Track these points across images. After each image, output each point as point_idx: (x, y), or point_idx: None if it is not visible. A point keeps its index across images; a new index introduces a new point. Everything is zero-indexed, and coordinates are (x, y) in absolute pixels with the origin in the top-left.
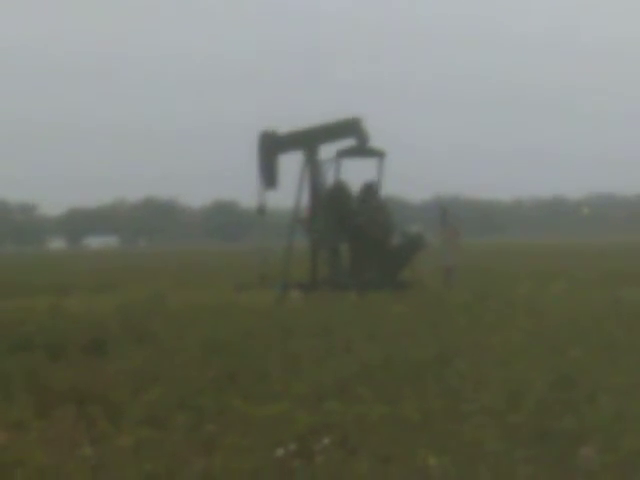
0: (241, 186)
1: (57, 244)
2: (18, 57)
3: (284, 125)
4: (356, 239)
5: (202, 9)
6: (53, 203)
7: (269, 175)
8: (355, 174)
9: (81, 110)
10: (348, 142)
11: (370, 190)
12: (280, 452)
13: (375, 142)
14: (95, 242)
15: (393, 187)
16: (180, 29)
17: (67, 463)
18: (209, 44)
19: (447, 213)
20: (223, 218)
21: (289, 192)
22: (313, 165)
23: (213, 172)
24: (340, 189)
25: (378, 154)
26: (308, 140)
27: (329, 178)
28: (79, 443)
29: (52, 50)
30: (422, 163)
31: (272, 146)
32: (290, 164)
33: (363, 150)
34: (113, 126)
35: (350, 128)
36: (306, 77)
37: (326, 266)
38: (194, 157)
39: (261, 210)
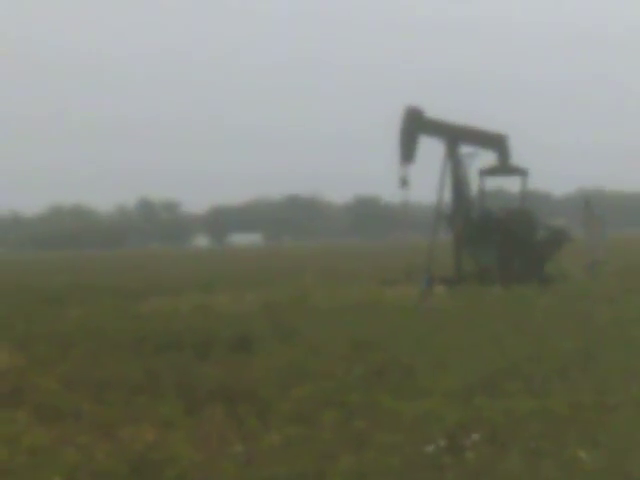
0: (382, 181)
1: (201, 241)
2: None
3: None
4: (501, 234)
5: None
6: (196, 201)
7: (408, 149)
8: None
9: (223, 111)
10: (489, 154)
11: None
12: (430, 448)
13: (514, 140)
14: (239, 239)
15: (536, 181)
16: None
17: (217, 460)
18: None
19: (591, 206)
20: (366, 213)
21: (431, 188)
22: (455, 160)
23: (354, 169)
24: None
25: (520, 172)
26: (453, 134)
27: (470, 177)
28: (228, 441)
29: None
30: (566, 157)
31: (416, 123)
32: (431, 156)
33: (507, 169)
34: (254, 127)
35: (496, 142)
36: (445, 76)
37: (470, 260)
38: (335, 155)
39: (403, 183)
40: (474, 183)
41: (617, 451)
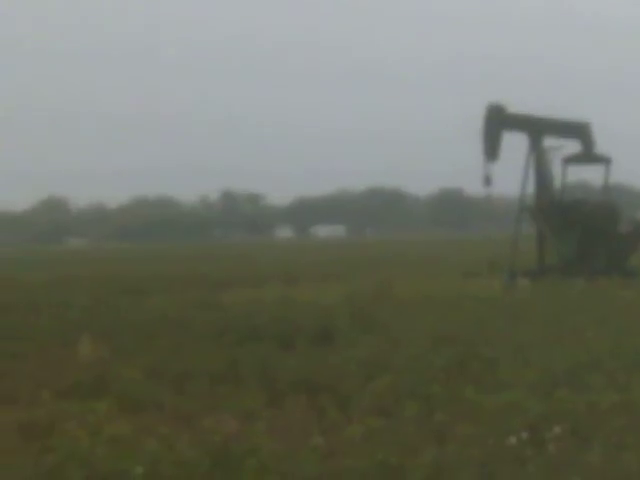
0: (466, 174)
1: (285, 233)
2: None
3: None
4: (585, 226)
5: None
6: (280, 193)
7: (492, 147)
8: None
9: (305, 109)
10: (572, 143)
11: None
12: (512, 441)
13: (599, 135)
14: (322, 231)
15: (619, 175)
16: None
17: (298, 452)
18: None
19: None
20: (449, 206)
21: (515, 179)
22: (538, 153)
23: (437, 162)
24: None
25: (604, 160)
26: (535, 127)
27: (553, 170)
28: (309, 432)
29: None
30: None
31: (498, 119)
32: (514, 150)
33: (590, 157)
34: (339, 122)
35: (579, 131)
36: (528, 69)
37: (554, 254)
38: (417, 149)
39: (487, 181)
40: (558, 174)
41: None
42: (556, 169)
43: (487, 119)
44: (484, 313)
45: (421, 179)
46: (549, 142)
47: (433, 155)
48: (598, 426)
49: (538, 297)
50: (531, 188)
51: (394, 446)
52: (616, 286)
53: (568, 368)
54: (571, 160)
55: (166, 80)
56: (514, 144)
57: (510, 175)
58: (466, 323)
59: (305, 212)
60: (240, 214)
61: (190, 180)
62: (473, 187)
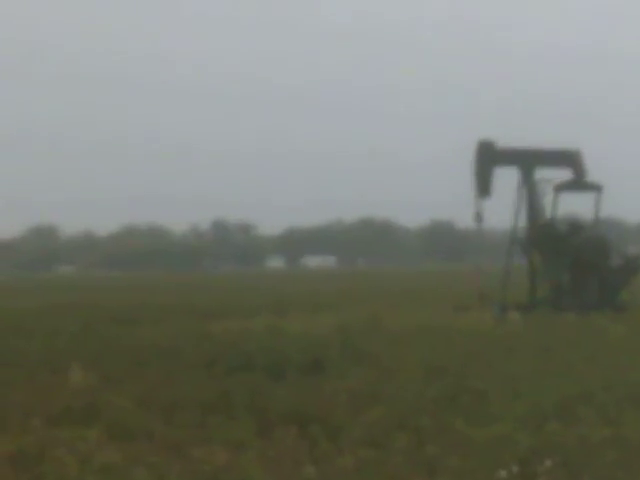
0: (457, 206)
1: (276, 263)
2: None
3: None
4: (575, 261)
5: None
6: (271, 223)
7: (484, 183)
8: (570, 205)
9: (296, 137)
10: (564, 172)
11: (575, 223)
12: (502, 474)
13: (590, 167)
14: (313, 261)
15: (610, 209)
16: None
17: None
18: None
19: None
20: (439, 238)
21: (506, 212)
22: (530, 186)
23: (428, 193)
24: (548, 226)
25: (596, 188)
26: (526, 160)
27: (545, 202)
28: (300, 463)
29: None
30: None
31: (489, 156)
32: (505, 183)
33: (581, 184)
34: (331, 152)
35: (569, 159)
36: (519, 101)
37: (544, 287)
38: (408, 180)
39: (478, 217)
40: (549, 205)
41: None
42: (548, 201)
43: (478, 156)
44: (475, 345)
45: (411, 210)
46: (541, 173)
47: (423, 186)
48: (589, 460)
49: (529, 330)
50: (523, 221)
51: (385, 477)
52: (607, 320)
53: (559, 401)
54: (562, 188)
55: (159, 107)
56: (505, 177)
57: (501, 208)
58: (457, 355)
59: (296, 242)
60: (231, 244)
61: (182, 209)
62: (464, 219)
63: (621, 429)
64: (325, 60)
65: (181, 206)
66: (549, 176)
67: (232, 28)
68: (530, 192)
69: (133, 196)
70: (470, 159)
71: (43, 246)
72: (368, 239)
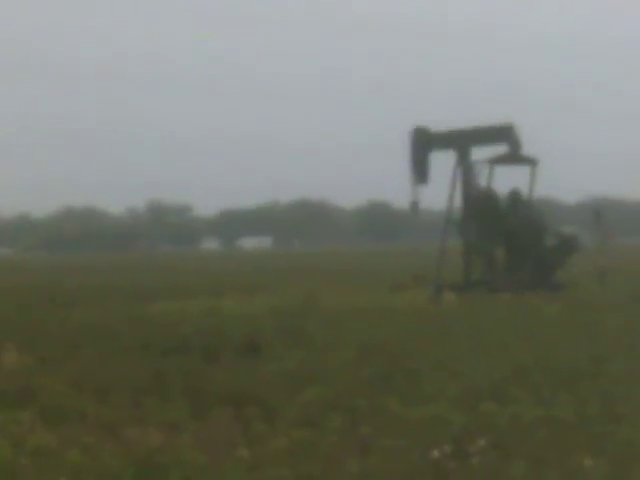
0: (393, 187)
1: (211, 245)
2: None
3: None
4: (510, 241)
5: None
6: (207, 205)
7: (420, 171)
8: (506, 181)
9: (239, 116)
10: (500, 148)
11: (516, 197)
12: (435, 454)
13: (527, 146)
14: (249, 243)
15: (546, 189)
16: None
17: (223, 464)
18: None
19: (600, 214)
20: (376, 219)
21: (442, 193)
22: (465, 167)
23: (365, 173)
24: (488, 197)
25: (530, 162)
26: (461, 141)
27: (481, 182)
28: (235, 444)
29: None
30: (576, 164)
31: (424, 142)
32: (442, 165)
33: (515, 157)
34: (267, 133)
35: (503, 134)
36: (457, 84)
37: (479, 267)
38: (345, 160)
39: (414, 206)
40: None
41: (622, 460)
42: (483, 181)
43: (413, 143)
44: (410, 325)
45: (348, 191)
46: (477, 153)
47: (360, 168)
48: (521, 439)
49: (464, 310)
50: (458, 202)
51: (318, 458)
52: (542, 300)
53: (492, 381)
54: (497, 161)
55: (91, 93)
56: (441, 159)
57: (437, 190)
58: (392, 335)
59: (232, 224)
60: (167, 225)
61: (118, 191)
62: (400, 200)
63: (553, 409)
64: (261, 46)
65: (117, 189)
66: (486, 154)
67: None
68: (466, 172)
69: (70, 179)
70: (406, 144)
71: None
72: (304, 220)
